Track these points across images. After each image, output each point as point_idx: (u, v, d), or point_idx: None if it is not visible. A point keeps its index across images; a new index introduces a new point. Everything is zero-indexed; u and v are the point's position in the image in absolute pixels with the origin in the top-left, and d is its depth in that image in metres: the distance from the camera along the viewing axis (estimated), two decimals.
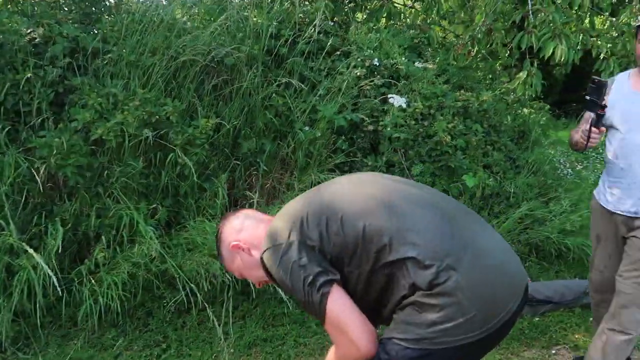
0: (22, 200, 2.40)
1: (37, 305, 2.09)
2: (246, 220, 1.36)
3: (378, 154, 3.12)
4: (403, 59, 3.52)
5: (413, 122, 3.12)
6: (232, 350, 2.19)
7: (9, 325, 2.07)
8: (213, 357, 2.16)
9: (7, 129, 2.70)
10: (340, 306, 1.14)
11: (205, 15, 3.79)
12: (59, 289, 2.04)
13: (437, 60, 3.77)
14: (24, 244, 2.12)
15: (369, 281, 1.16)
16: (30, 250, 2.07)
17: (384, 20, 4.19)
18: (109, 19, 3.52)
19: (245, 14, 3.63)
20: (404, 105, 3.08)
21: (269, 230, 1.25)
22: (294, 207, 1.27)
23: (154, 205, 2.55)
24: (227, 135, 2.98)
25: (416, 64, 3.52)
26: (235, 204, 2.86)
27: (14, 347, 2.09)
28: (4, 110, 2.80)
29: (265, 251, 1.21)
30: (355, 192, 1.25)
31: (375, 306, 1.19)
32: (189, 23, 3.71)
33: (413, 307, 1.11)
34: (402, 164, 3.07)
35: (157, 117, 2.76)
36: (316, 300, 1.13)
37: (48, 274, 2.04)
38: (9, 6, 3.74)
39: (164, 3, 3.89)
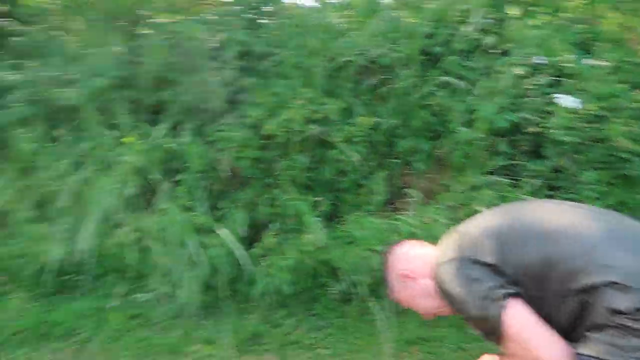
0: (208, 187, 2.72)
1: (222, 279, 2.35)
2: (411, 250, 1.38)
3: (543, 159, 2.93)
4: (570, 55, 3.25)
5: (584, 125, 2.87)
6: (392, 344, 2.23)
7: (198, 295, 2.36)
8: (375, 348, 2.22)
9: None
10: (521, 320, 1.07)
11: (359, 17, 3.90)
12: (245, 266, 2.26)
13: (609, 57, 3.41)
14: (219, 223, 2.40)
15: (556, 307, 1.08)
16: (225, 230, 2.34)
17: (547, 16, 3.91)
18: (272, 23, 3.81)
19: (398, 14, 3.67)
20: (578, 106, 2.84)
21: (444, 247, 1.25)
22: (467, 227, 1.26)
23: (318, 199, 2.70)
24: (384, 134, 3.03)
25: (584, 60, 3.22)
26: (391, 202, 2.90)
27: (201, 315, 2.38)
28: (190, 108, 3.20)
29: (439, 265, 1.21)
30: (535, 217, 1.20)
31: (561, 331, 1.11)
32: (344, 25, 3.86)
33: (616, 329, 1.02)
34: (569, 170, 2.83)
35: (319, 114, 2.92)
36: (492, 314, 1.07)
37: (233, 252, 2.29)
38: (190, 17, 4.25)
39: (319, 7, 4.11)
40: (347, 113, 3.07)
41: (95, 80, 3.10)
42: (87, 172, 2.64)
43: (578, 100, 2.80)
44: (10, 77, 3.13)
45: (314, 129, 2.82)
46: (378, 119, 3.01)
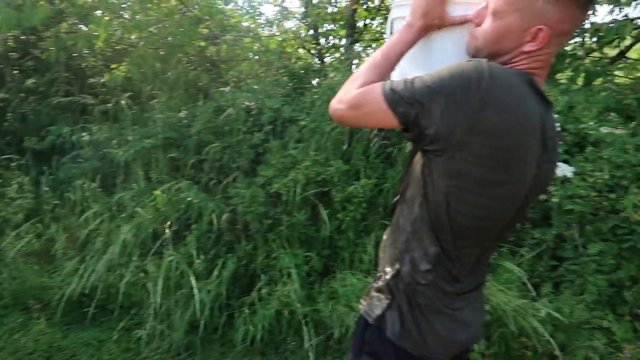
0: (214, 237, 3.02)
1: (208, 322, 2.57)
2: None
3: (549, 227, 2.80)
4: (592, 123, 3.13)
5: (594, 194, 2.72)
6: None
7: (183, 334, 2.59)
8: None
9: (214, 181, 3.47)
10: None
11: None
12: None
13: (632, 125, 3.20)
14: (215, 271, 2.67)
15: None
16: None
17: (580, 79, 3.79)
18: (312, 91, 4.17)
19: None
20: (569, 175, 2.73)
21: None
22: None
23: (312, 253, 2.86)
24: (387, 196, 3.14)
25: (602, 129, 3.07)
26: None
27: (186, 354, 2.60)
28: (219, 166, 3.62)
29: None
30: None
31: None
32: None
33: None
34: (575, 241, 2.68)
35: (323, 176, 3.12)
36: None
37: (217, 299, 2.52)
38: (240, 84, 4.81)
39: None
40: (353, 174, 3.23)
41: (145, 141, 3.65)
42: (117, 218, 3.11)
43: (569, 168, 2.69)
44: (83, 138, 3.82)
45: (313, 190, 3.03)
46: (381, 180, 3.13)
